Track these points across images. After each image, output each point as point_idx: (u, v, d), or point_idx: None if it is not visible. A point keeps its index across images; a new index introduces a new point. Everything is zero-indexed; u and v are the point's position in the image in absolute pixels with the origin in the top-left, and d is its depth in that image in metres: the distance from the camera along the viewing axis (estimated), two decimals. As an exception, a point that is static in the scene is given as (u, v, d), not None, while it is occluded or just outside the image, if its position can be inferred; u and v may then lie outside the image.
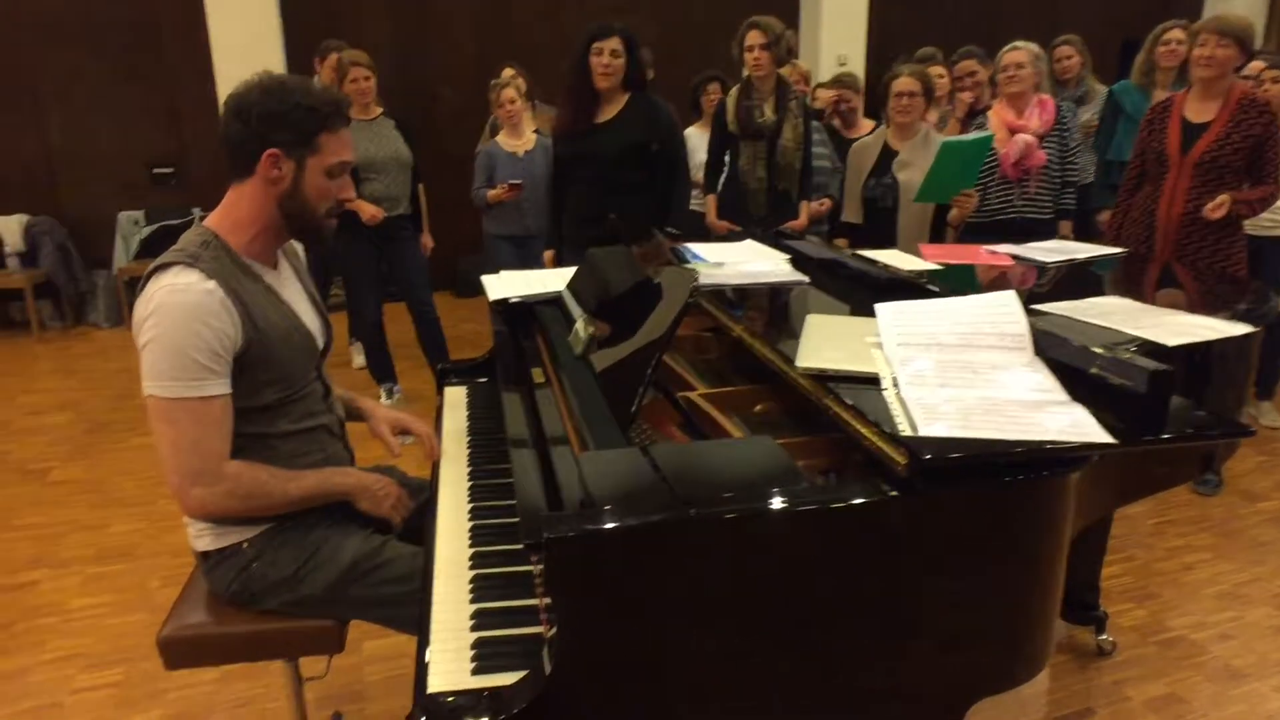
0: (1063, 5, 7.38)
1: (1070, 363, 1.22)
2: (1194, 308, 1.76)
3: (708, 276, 1.86)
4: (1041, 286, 2.11)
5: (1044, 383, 1.17)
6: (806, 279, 1.91)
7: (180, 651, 1.47)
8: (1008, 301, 1.34)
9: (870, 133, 3.56)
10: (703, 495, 0.96)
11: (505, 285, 2.09)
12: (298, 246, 1.60)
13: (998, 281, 2.17)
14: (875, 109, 3.94)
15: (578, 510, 0.98)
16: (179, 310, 1.30)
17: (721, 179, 3.63)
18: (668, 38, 6.12)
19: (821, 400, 1.19)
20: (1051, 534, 1.05)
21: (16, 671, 2.21)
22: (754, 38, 3.36)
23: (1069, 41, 4.15)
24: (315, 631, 1.49)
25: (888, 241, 2.99)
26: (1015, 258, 2.34)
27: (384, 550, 1.49)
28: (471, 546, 1.32)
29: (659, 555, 0.93)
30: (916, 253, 2.37)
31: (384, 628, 1.56)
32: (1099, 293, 1.89)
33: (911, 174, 3.14)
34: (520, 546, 1.27)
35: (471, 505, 1.45)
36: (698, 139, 4.03)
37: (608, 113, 3.05)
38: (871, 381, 1.20)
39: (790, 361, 1.29)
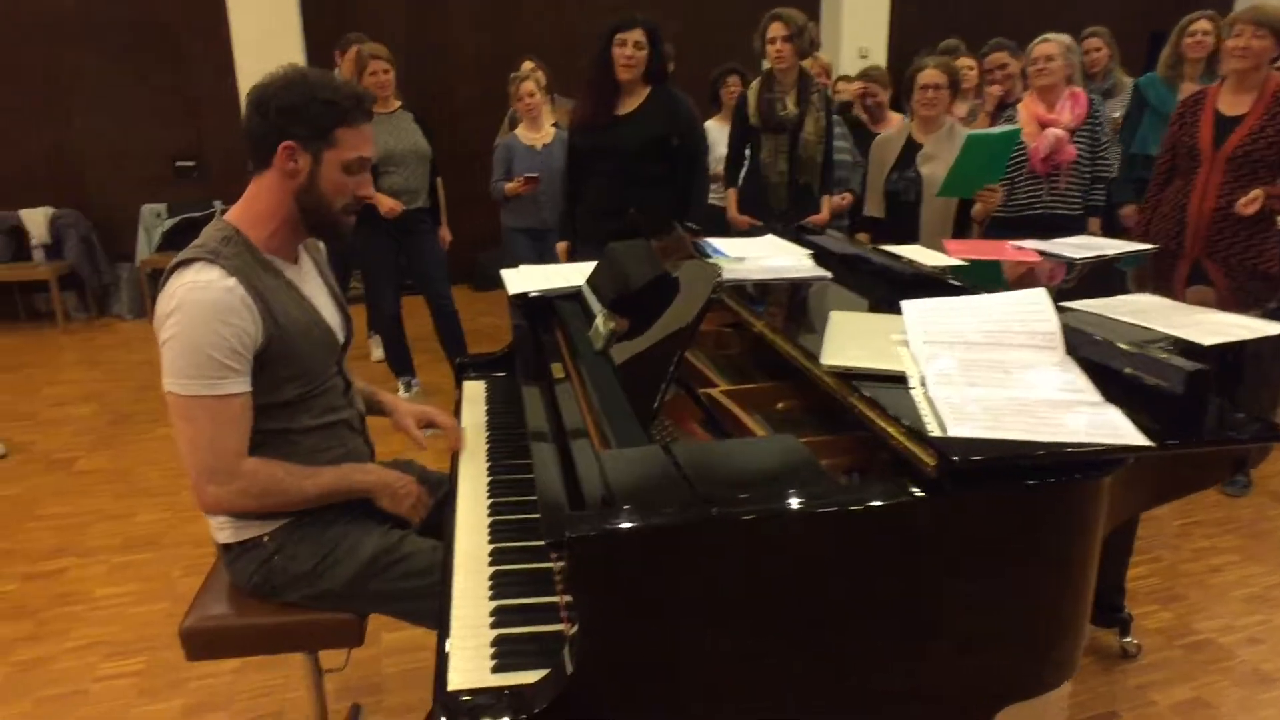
0: (1089, -4, 7.26)
1: (1103, 362, 1.19)
2: (1224, 305, 1.72)
3: (728, 271, 1.84)
4: (1069, 283, 2.07)
5: (1076, 382, 1.14)
6: (829, 274, 1.88)
7: (202, 642, 1.48)
8: (1038, 299, 1.31)
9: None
10: (726, 495, 0.95)
11: (524, 280, 2.08)
12: (318, 240, 1.60)
13: (1025, 278, 2.12)
14: (898, 102, 3.89)
15: (599, 508, 0.96)
16: (199, 308, 1.30)
17: (742, 173, 3.60)
18: (686, 30, 6.08)
19: (846, 399, 1.17)
20: (1083, 537, 1.03)
21: (43, 659, 2.24)
22: (776, 29, 3.33)
23: (1097, 34, 4.07)
24: (335, 625, 1.49)
25: (910, 236, 2.95)
26: (1042, 253, 2.30)
27: (403, 545, 1.49)
28: (491, 542, 1.31)
29: (682, 555, 0.91)
30: (940, 248, 2.33)
31: (403, 621, 1.56)
32: (1123, 289, 1.85)
33: (935, 168, 3.09)
34: (540, 543, 1.27)
35: (491, 500, 1.45)
36: (717, 132, 4.00)
37: (629, 105, 3.02)
38: (898, 380, 1.18)
39: (814, 358, 1.27)
